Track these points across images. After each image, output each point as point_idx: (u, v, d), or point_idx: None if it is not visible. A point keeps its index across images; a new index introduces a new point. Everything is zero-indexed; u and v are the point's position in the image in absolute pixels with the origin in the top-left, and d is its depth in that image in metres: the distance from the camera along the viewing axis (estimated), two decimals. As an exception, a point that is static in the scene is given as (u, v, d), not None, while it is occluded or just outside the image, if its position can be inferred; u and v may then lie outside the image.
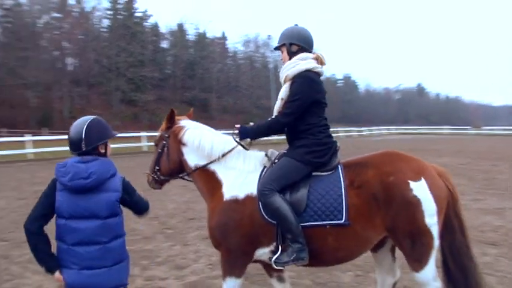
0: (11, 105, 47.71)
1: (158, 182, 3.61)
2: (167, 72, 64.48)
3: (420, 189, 3.02)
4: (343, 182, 3.11)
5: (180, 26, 67.31)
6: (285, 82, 3.36)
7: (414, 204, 2.99)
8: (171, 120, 3.56)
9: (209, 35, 70.48)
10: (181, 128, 3.52)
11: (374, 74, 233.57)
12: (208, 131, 3.57)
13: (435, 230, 3.05)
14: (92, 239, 2.58)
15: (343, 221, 3.03)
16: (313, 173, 3.23)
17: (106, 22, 60.30)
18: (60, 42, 52.64)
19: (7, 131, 35.58)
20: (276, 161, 3.33)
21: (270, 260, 3.17)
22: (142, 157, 20.50)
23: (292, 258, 3.02)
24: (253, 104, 68.24)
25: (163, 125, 3.60)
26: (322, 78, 3.42)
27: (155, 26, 66.27)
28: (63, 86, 49.73)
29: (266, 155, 3.43)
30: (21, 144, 22.73)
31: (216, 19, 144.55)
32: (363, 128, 60.43)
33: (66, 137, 2.90)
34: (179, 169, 3.57)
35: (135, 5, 60.76)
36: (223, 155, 3.40)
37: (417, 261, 3.09)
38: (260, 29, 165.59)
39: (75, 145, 2.69)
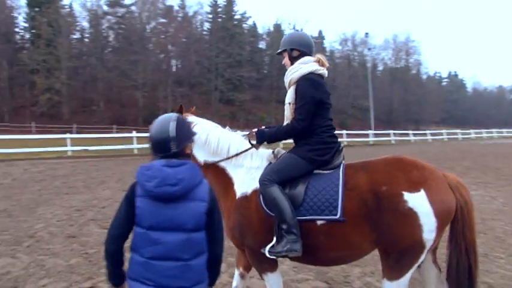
0: (121, 105, 52.14)
1: None
2: (264, 72, 65.62)
3: (417, 201, 2.83)
4: (342, 180, 3.10)
5: (277, 27, 68.04)
6: (289, 86, 3.42)
7: (411, 218, 2.81)
8: None
9: (306, 34, 70.33)
10: (189, 123, 3.54)
11: (484, 71, 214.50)
12: (216, 127, 3.61)
13: (429, 245, 2.87)
14: (174, 254, 2.22)
15: (337, 216, 2.98)
16: (315, 171, 3.26)
17: (207, 25, 63.08)
18: (166, 46, 56.20)
19: (117, 128, 38.84)
20: (280, 157, 3.41)
21: (264, 250, 3.14)
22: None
23: (285, 248, 3.01)
24: (349, 104, 66.76)
25: None
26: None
27: (253, 27, 67.85)
28: (168, 86, 52.98)
29: (273, 152, 3.49)
30: (129, 140, 24.58)
31: (313, 18, 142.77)
32: (470, 131, 55.88)
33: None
34: None
35: (235, 8, 62.68)
36: (237, 154, 3.44)
37: (395, 271, 2.92)
38: (358, 27, 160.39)
39: (162, 146, 2.32)
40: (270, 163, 3.41)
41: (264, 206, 3.17)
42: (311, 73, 3.30)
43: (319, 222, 3.04)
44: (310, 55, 3.44)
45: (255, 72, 60.17)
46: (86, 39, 57.76)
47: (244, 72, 56.74)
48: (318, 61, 3.38)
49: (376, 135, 41.34)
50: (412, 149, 29.87)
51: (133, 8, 56.88)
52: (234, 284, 3.75)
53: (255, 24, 68.79)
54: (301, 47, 3.43)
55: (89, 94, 52.26)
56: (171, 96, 53.10)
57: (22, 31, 56.26)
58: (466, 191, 3.07)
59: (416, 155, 22.80)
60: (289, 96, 3.38)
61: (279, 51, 3.56)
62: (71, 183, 12.00)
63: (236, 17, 63.53)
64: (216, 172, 3.47)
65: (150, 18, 56.26)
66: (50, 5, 49.01)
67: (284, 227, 3.03)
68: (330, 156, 3.25)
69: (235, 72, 56.28)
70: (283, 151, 3.47)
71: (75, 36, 56.92)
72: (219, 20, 61.21)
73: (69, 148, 22.37)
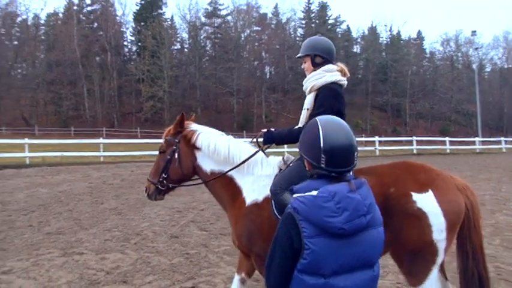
0: (217, 111, 54.24)
1: (162, 192, 3.55)
2: (358, 77, 64.05)
3: (426, 201, 2.80)
4: None
5: (373, 30, 66.09)
6: (309, 92, 3.38)
7: (419, 218, 2.78)
8: (181, 125, 3.50)
9: (404, 36, 67.45)
10: (194, 132, 3.46)
11: None
12: (221, 135, 3.54)
13: (442, 246, 2.80)
14: None
15: None
16: None
17: (300, 31, 63.31)
18: (260, 53, 57.42)
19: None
20: (291, 164, 3.34)
21: None
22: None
23: None
24: (452, 108, 62.48)
25: (172, 130, 3.52)
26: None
27: (347, 31, 66.63)
28: (261, 92, 54.00)
29: (283, 159, 3.44)
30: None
31: (412, 18, 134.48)
32: None
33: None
34: (191, 175, 3.55)
35: (328, 13, 62.09)
36: (245, 161, 3.36)
37: (414, 276, 2.85)
38: (462, 25, 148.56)
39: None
40: (281, 170, 3.36)
41: (278, 215, 3.11)
42: (334, 83, 3.28)
43: None
44: (332, 63, 3.40)
45: (349, 77, 58.91)
46: (186, 49, 61.11)
47: (338, 77, 55.88)
48: (341, 71, 3.34)
49: (483, 142, 38.07)
50: (527, 157, 26.97)
51: (229, 18, 59.08)
52: None
53: (349, 28, 67.47)
54: (325, 54, 3.38)
55: (188, 101, 55.19)
56: (265, 102, 54.04)
57: (130, 44, 61.33)
58: (473, 195, 3.02)
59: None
60: (308, 102, 3.36)
61: (301, 55, 3.47)
62: (172, 185, 12.57)
63: (330, 21, 62.88)
64: (224, 182, 3.42)
65: (244, 27, 57.91)
66: (154, 19, 52.65)
67: None
68: None
69: (328, 77, 55.71)
70: (293, 157, 3.42)
71: (175, 47, 60.53)
72: (312, 25, 61.10)
73: (170, 152, 23.65)
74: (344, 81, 3.36)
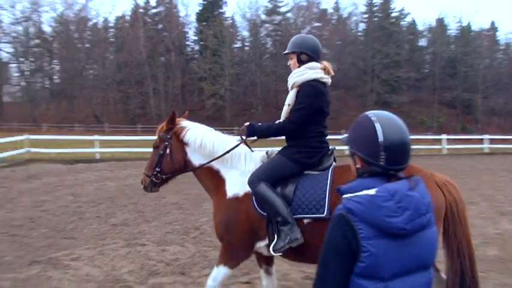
0: (277, 108, 53.84)
1: (157, 185, 3.72)
2: (424, 72, 61.33)
3: None
4: (330, 179, 3.19)
5: (440, 21, 62.90)
6: (292, 88, 3.47)
7: None
8: (173, 122, 3.68)
9: (474, 27, 63.57)
10: (183, 128, 3.66)
11: None
12: (209, 130, 3.71)
13: None
14: None
15: (324, 214, 3.06)
16: (306, 172, 3.36)
17: (362, 26, 61.74)
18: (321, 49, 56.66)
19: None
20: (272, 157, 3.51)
21: (268, 251, 3.26)
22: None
23: (287, 241, 3.11)
24: (530, 104, 58.11)
25: (164, 127, 3.71)
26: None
27: (412, 24, 63.92)
28: (322, 89, 53.34)
29: (266, 153, 3.60)
30: (282, 142, 25.26)
31: (484, 8, 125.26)
32: None
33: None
34: (183, 169, 3.73)
35: (392, 5, 59.91)
36: (228, 152, 3.51)
37: None
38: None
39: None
40: (263, 163, 3.50)
41: (256, 207, 3.30)
42: (315, 80, 3.34)
43: (305, 221, 3.16)
44: (317, 61, 3.46)
45: (415, 72, 56.46)
46: (246, 47, 61.71)
47: (403, 72, 53.73)
48: (324, 68, 3.41)
49: None
50: None
51: (289, 14, 58.85)
52: (264, 283, 3.84)
53: (414, 20, 64.57)
54: (311, 52, 3.45)
55: (249, 98, 55.81)
56: (326, 99, 53.26)
57: (192, 44, 62.95)
58: (456, 189, 3.05)
59: None
60: (290, 98, 3.45)
61: (287, 52, 3.56)
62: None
63: (393, 14, 60.59)
64: (211, 173, 3.60)
65: (305, 23, 57.43)
66: (215, 19, 53.66)
67: (279, 219, 3.15)
68: (317, 159, 3.35)
69: (392, 73, 53.75)
70: (276, 151, 3.55)
71: (236, 45, 61.32)
72: (375, 19, 59.20)
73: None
74: (327, 79, 3.43)
